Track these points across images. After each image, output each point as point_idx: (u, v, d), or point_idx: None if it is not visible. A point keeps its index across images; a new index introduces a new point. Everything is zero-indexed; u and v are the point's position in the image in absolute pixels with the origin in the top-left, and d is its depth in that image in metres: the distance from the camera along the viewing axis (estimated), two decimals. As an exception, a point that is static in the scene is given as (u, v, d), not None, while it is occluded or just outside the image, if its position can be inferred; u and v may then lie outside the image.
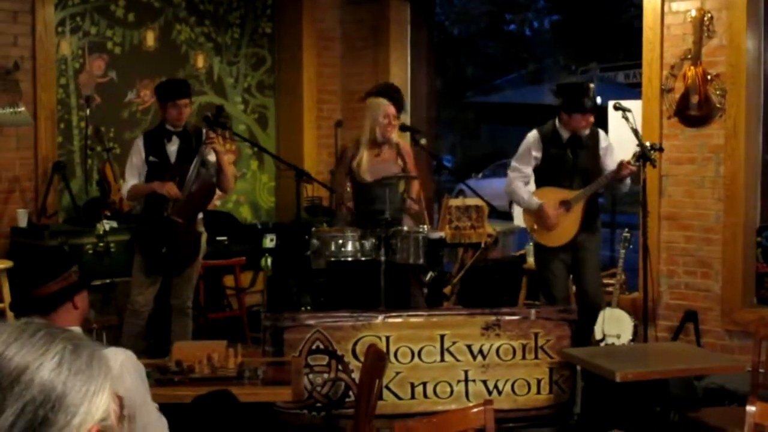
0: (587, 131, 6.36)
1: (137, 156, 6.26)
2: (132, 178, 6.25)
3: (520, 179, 6.45)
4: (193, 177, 6.12)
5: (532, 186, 6.54)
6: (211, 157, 6.24)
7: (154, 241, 6.10)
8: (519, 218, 8.31)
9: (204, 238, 6.39)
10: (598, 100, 6.48)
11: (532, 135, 6.44)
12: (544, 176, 6.46)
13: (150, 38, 8.38)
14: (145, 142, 6.28)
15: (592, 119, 6.32)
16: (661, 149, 6.36)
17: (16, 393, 1.24)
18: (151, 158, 6.22)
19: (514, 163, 6.52)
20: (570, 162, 6.38)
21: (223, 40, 8.93)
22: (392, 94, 6.52)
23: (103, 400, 1.31)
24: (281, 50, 9.31)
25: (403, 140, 6.92)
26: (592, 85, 6.41)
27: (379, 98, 6.41)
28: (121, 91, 8.20)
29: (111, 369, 1.35)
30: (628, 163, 6.10)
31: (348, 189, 6.51)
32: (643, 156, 6.05)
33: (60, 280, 3.32)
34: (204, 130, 6.23)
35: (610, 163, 6.37)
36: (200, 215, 6.37)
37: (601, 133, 6.53)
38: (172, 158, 6.23)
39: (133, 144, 6.43)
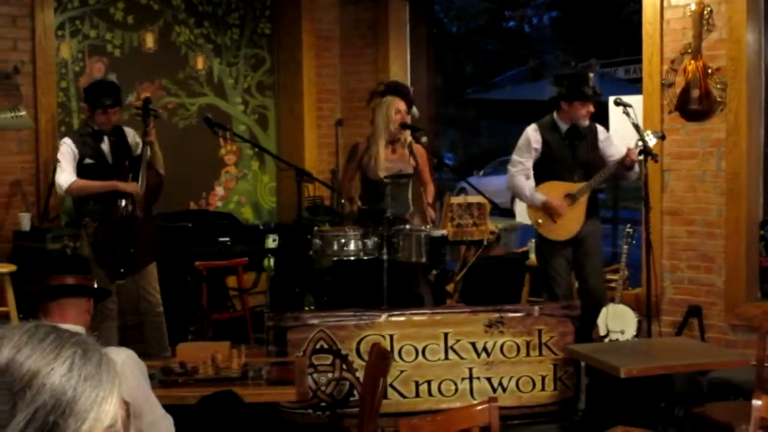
0: (586, 122, 6.36)
1: (70, 156, 6.16)
2: (74, 175, 6.14)
3: (522, 173, 6.41)
4: (144, 172, 6.18)
5: (532, 181, 6.47)
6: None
7: (120, 243, 6.06)
8: (521, 215, 8.30)
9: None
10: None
11: (531, 127, 6.44)
12: (545, 171, 6.43)
13: (149, 40, 8.38)
14: (76, 145, 6.21)
15: (592, 108, 6.32)
16: (663, 137, 6.37)
17: (28, 398, 1.23)
18: (87, 160, 6.18)
19: (514, 157, 6.48)
20: (569, 154, 6.38)
21: (222, 41, 8.92)
22: (401, 90, 6.48)
23: (112, 406, 1.30)
24: (280, 50, 9.31)
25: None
26: (591, 74, 6.43)
27: (387, 96, 6.37)
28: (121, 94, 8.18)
29: (118, 373, 1.35)
30: (633, 150, 6.13)
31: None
32: (644, 151, 6.05)
33: (79, 278, 3.36)
34: (146, 123, 6.27)
35: (614, 153, 6.39)
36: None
37: (599, 126, 6.54)
38: (110, 158, 6.25)
39: (60, 145, 6.31)
